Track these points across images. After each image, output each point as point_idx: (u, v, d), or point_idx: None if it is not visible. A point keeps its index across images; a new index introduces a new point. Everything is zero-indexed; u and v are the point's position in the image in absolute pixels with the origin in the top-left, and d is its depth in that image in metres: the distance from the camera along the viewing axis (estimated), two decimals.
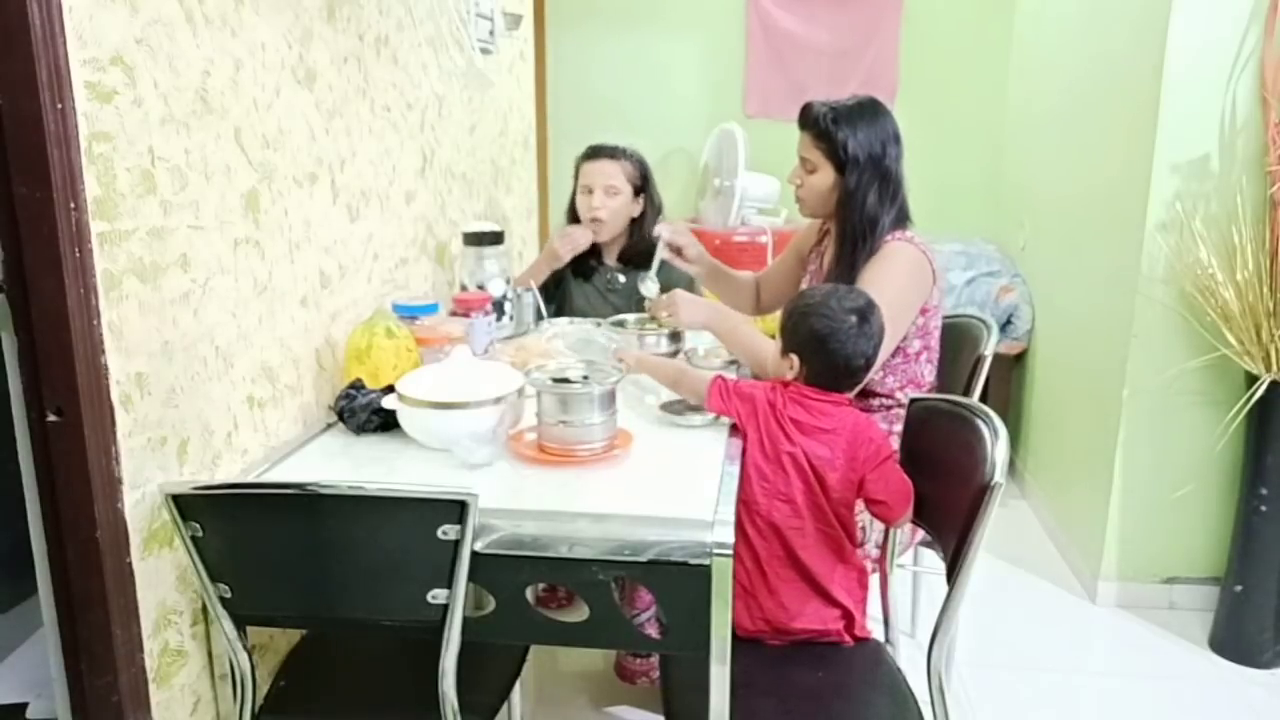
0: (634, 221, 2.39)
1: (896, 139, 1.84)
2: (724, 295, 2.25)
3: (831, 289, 1.56)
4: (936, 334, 1.91)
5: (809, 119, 1.86)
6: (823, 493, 1.47)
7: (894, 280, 1.78)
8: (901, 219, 1.86)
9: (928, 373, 1.93)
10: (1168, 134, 2.27)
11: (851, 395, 1.55)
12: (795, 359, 1.52)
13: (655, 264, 2.11)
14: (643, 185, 2.38)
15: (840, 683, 1.45)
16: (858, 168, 1.81)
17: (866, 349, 1.50)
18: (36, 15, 1.02)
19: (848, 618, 1.51)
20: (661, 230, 2.12)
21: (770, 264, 2.24)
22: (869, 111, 1.83)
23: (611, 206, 2.33)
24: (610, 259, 2.44)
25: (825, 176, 1.85)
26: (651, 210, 2.40)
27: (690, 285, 2.28)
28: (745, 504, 1.46)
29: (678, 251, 2.14)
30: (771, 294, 2.22)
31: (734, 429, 1.56)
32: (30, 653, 1.82)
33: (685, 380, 1.64)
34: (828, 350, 1.49)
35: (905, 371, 1.90)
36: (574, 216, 2.42)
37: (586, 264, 2.43)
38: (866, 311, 1.51)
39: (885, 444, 1.51)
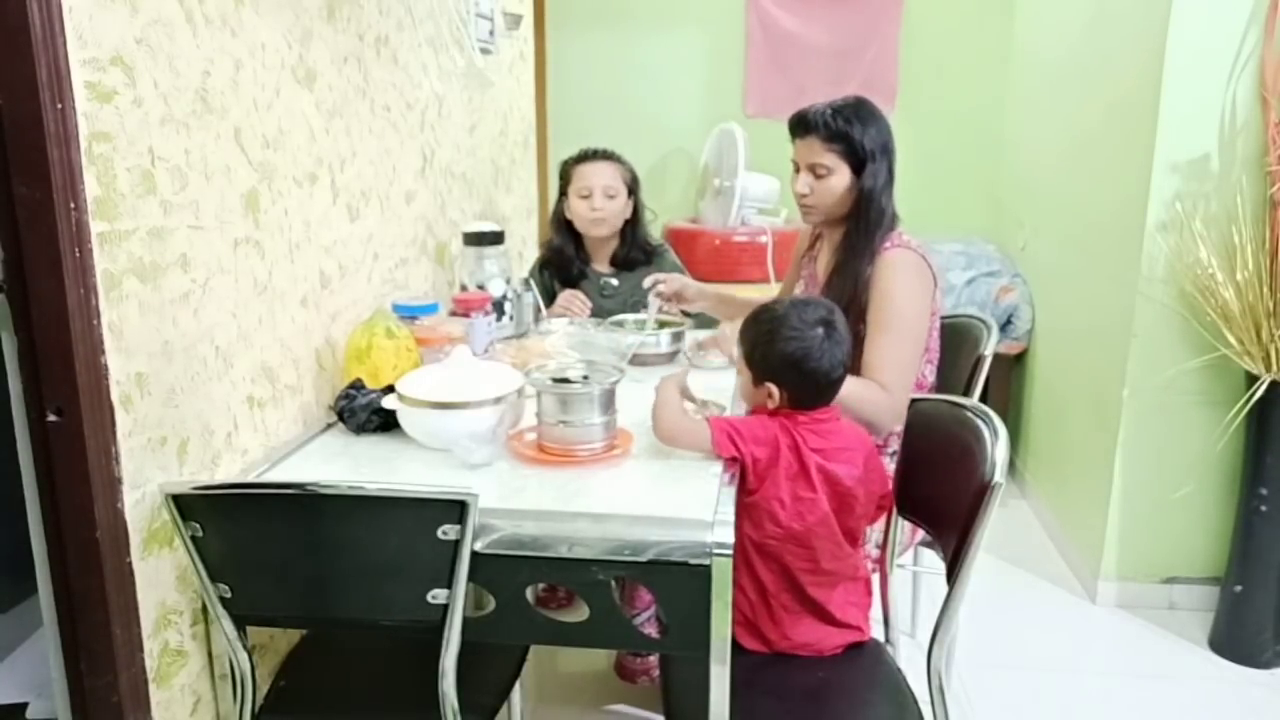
0: (625, 224, 2.39)
1: (891, 130, 1.86)
2: (739, 318, 2.23)
3: (789, 304, 1.49)
4: (936, 334, 1.91)
5: (814, 124, 1.82)
6: (849, 513, 1.45)
7: (907, 298, 1.77)
8: (894, 213, 1.87)
9: (928, 374, 1.93)
10: (1168, 134, 2.27)
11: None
12: (773, 387, 1.45)
13: (651, 311, 2.12)
14: (634, 185, 2.38)
15: (840, 683, 1.45)
16: (874, 162, 1.81)
17: (842, 356, 1.44)
18: (36, 15, 1.02)
19: (857, 635, 1.50)
20: (655, 282, 2.11)
21: (784, 281, 2.24)
22: (867, 106, 1.84)
23: (611, 208, 2.33)
24: (601, 264, 2.44)
25: (841, 179, 1.83)
26: (641, 213, 2.41)
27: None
28: (755, 542, 1.44)
29: (677, 298, 2.14)
30: None
31: (727, 464, 1.44)
32: (30, 653, 1.82)
33: (682, 433, 1.47)
34: (806, 370, 1.42)
35: None
36: (561, 222, 2.41)
37: (573, 270, 2.42)
38: (830, 318, 1.45)
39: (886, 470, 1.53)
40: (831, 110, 1.82)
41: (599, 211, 2.31)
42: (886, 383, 1.70)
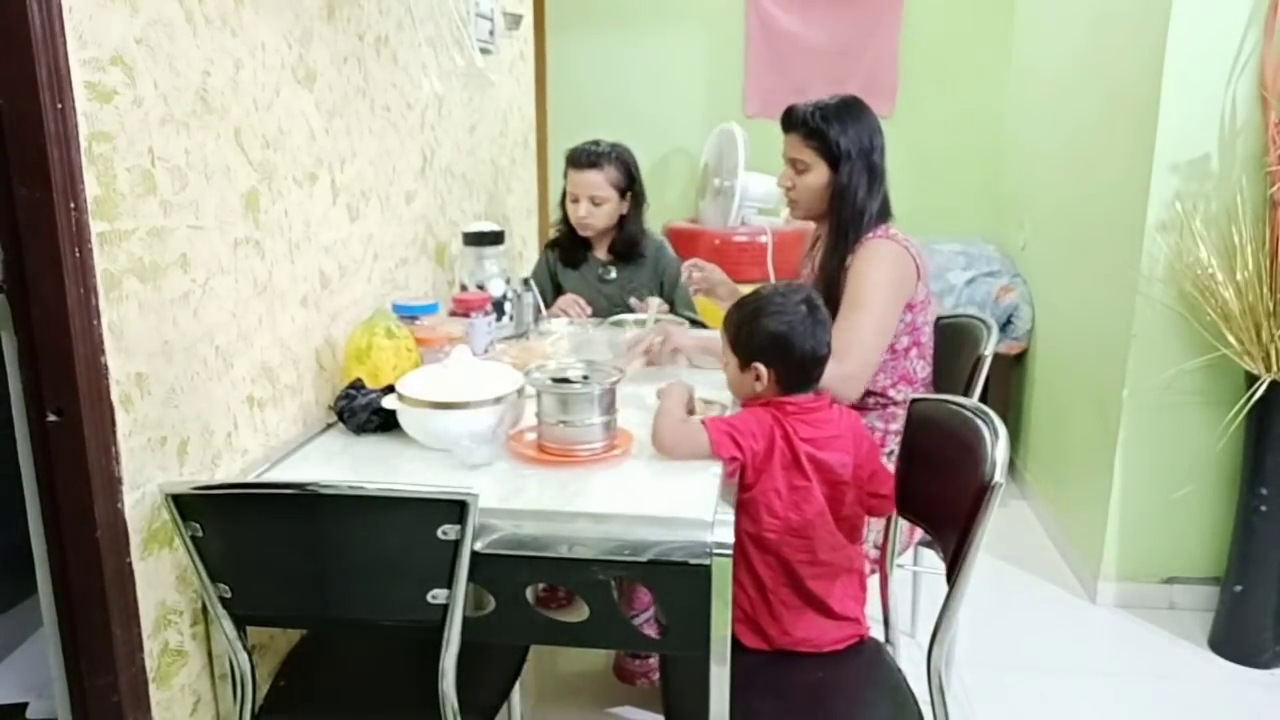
0: (623, 217, 2.43)
1: (879, 132, 1.90)
2: None
3: (771, 286, 1.54)
4: (926, 329, 1.93)
5: (795, 120, 1.90)
6: (841, 504, 1.46)
7: (877, 279, 1.81)
8: (885, 212, 1.90)
9: (919, 369, 1.94)
10: (1168, 134, 2.27)
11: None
12: (761, 368, 1.47)
13: (652, 311, 2.15)
14: (629, 183, 2.40)
15: (840, 683, 1.45)
16: (850, 161, 1.86)
17: (825, 336, 1.48)
18: (36, 15, 1.02)
19: (855, 628, 1.50)
20: (693, 267, 2.17)
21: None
22: (853, 108, 1.89)
23: (598, 214, 2.38)
24: (600, 252, 2.50)
25: (819, 175, 1.89)
26: (639, 204, 2.45)
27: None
28: (754, 536, 1.45)
29: (708, 291, 2.18)
30: None
31: (728, 463, 1.43)
32: (30, 653, 1.82)
33: (680, 443, 1.45)
34: (792, 347, 1.45)
35: (895, 368, 1.92)
36: (566, 214, 2.46)
37: (576, 255, 2.49)
38: (813, 300, 1.48)
39: (872, 436, 1.52)
40: (814, 108, 1.88)
41: (585, 218, 2.38)
42: (840, 353, 1.67)
